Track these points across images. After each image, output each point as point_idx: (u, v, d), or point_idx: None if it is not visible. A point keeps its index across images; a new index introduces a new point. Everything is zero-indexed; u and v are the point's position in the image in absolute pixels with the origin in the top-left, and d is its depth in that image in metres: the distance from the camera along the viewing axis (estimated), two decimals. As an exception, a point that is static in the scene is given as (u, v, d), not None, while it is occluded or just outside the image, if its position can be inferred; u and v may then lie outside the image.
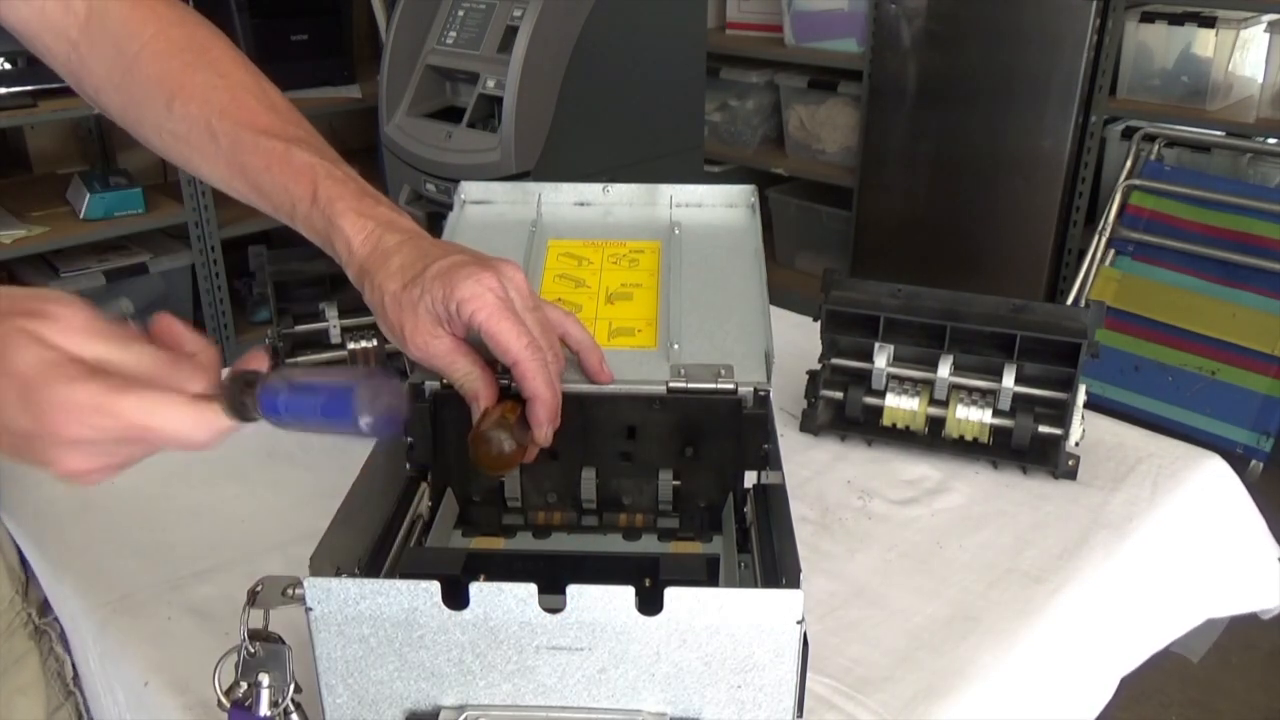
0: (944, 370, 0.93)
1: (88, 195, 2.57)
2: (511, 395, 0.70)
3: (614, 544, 0.79)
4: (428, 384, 0.77)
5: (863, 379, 0.96)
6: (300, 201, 0.72)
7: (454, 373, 0.70)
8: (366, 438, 0.55)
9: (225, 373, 0.54)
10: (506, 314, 0.66)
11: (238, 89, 0.74)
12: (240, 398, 0.52)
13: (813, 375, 0.98)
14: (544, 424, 0.69)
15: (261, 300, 1.03)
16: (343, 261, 0.72)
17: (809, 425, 0.99)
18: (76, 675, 0.85)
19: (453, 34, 2.36)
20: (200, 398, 0.51)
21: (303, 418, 0.52)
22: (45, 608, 0.86)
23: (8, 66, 2.44)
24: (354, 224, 0.70)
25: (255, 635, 0.57)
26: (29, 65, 2.46)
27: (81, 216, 2.57)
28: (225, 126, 0.73)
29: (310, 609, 0.53)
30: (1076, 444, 0.92)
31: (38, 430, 0.49)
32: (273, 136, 0.72)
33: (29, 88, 2.45)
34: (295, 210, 0.72)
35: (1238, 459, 2.39)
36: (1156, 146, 2.72)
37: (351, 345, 1.04)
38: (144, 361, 0.51)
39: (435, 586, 0.52)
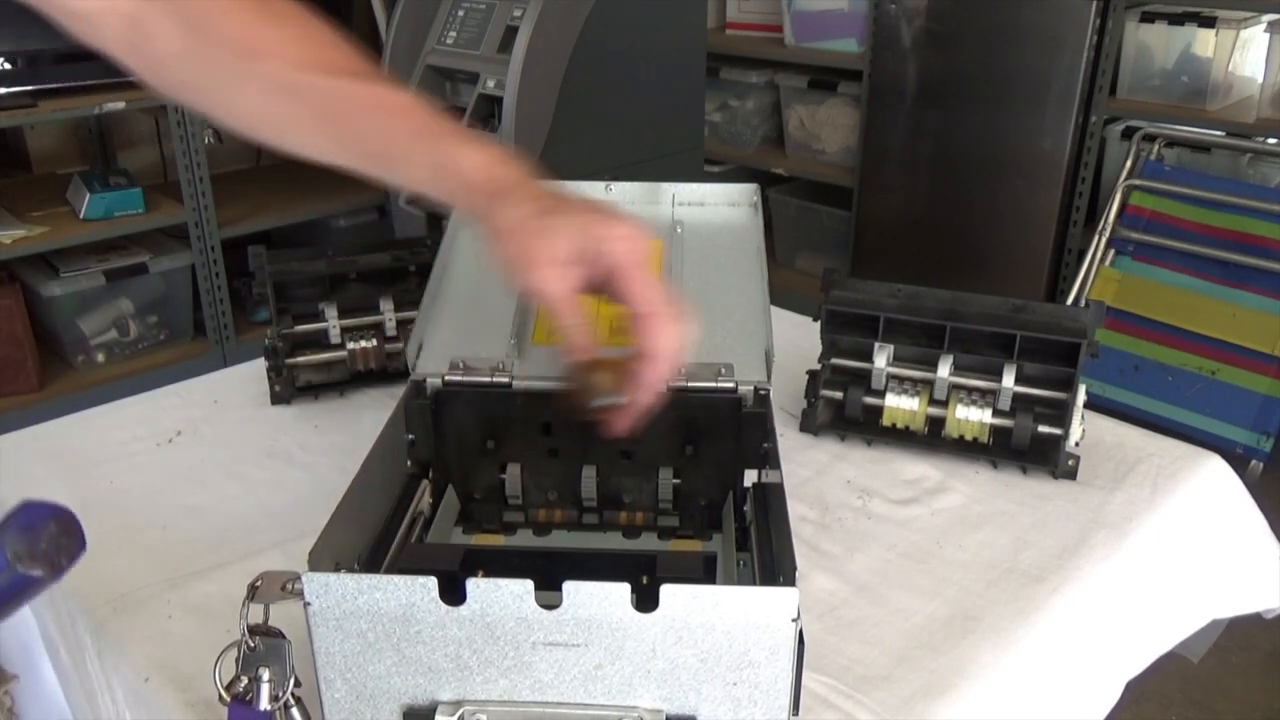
0: (944, 370, 0.93)
1: (88, 195, 2.57)
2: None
3: (614, 541, 0.80)
4: (429, 381, 0.77)
5: (863, 379, 0.96)
6: (408, 138, 0.69)
7: (566, 317, 0.67)
8: (45, 586, 0.46)
9: None
10: (646, 267, 0.65)
11: (315, 39, 0.71)
12: None
13: (813, 375, 0.98)
14: (651, 385, 0.67)
15: (261, 300, 1.03)
16: (459, 187, 0.68)
17: (809, 425, 0.99)
18: None
19: (453, 34, 2.36)
20: None
21: None
22: None
23: (8, 66, 2.44)
24: (480, 150, 0.68)
25: (255, 630, 0.57)
26: (29, 65, 2.46)
27: (81, 216, 2.57)
28: (313, 78, 0.69)
29: (309, 604, 0.53)
30: (1076, 444, 0.92)
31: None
32: (366, 80, 0.70)
33: (29, 88, 2.45)
34: (399, 150, 0.69)
35: (1238, 459, 2.39)
36: (1156, 146, 2.71)
37: (351, 345, 1.04)
38: None
39: (432, 582, 0.52)
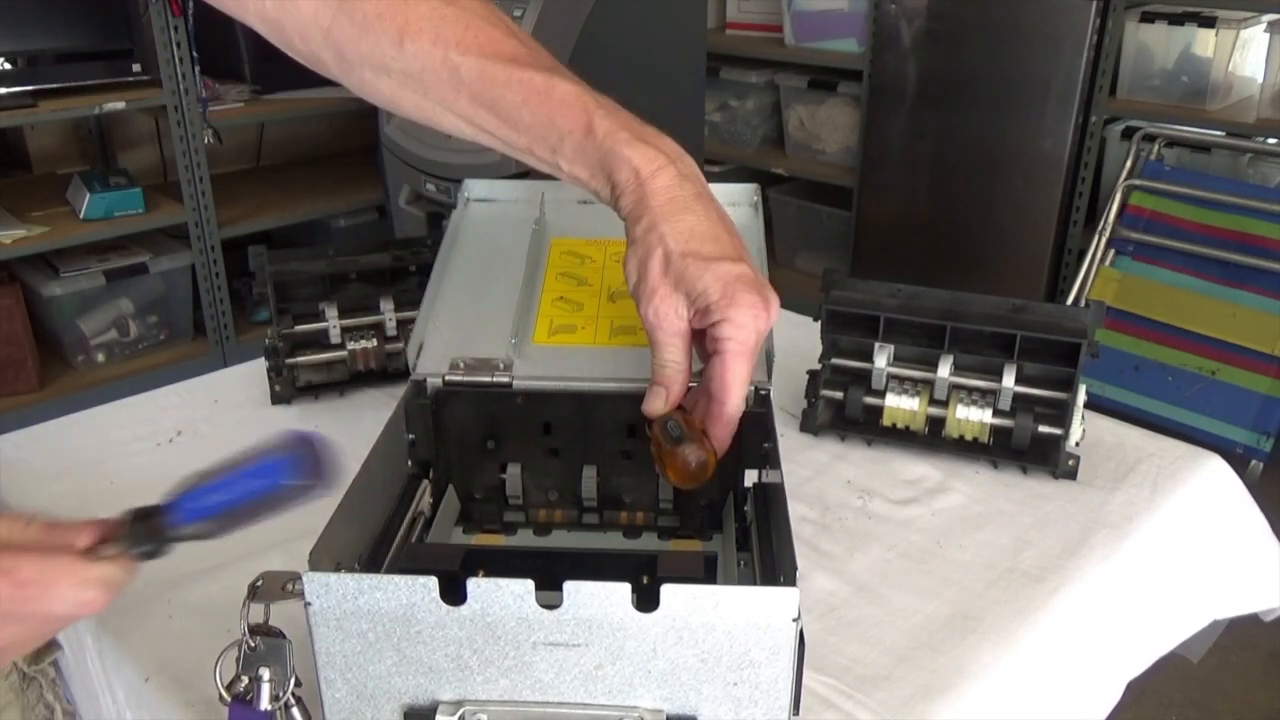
0: (944, 370, 0.93)
1: (88, 195, 2.57)
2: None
3: (614, 542, 0.80)
4: (429, 381, 0.77)
5: (863, 379, 0.96)
6: (570, 134, 0.66)
7: (667, 353, 0.67)
8: (305, 501, 0.53)
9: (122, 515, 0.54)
10: (749, 360, 0.65)
11: (471, 17, 0.67)
12: (145, 528, 0.53)
13: (813, 375, 0.98)
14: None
15: (261, 300, 1.03)
16: (620, 189, 0.67)
17: (809, 425, 0.99)
18: None
19: (453, 34, 2.36)
20: (88, 554, 0.52)
21: (237, 504, 0.52)
22: (38, 653, 0.82)
23: (8, 66, 2.44)
24: (642, 153, 0.66)
25: (256, 630, 0.57)
26: (29, 65, 2.46)
27: (81, 216, 2.57)
28: (468, 60, 0.66)
29: (309, 604, 0.53)
30: (1076, 444, 0.92)
31: None
32: (526, 67, 0.67)
33: (29, 88, 2.45)
34: (560, 145, 0.67)
35: (1238, 459, 2.39)
36: (1156, 146, 2.72)
37: (351, 345, 1.04)
38: (29, 530, 0.52)
39: (433, 582, 0.52)
